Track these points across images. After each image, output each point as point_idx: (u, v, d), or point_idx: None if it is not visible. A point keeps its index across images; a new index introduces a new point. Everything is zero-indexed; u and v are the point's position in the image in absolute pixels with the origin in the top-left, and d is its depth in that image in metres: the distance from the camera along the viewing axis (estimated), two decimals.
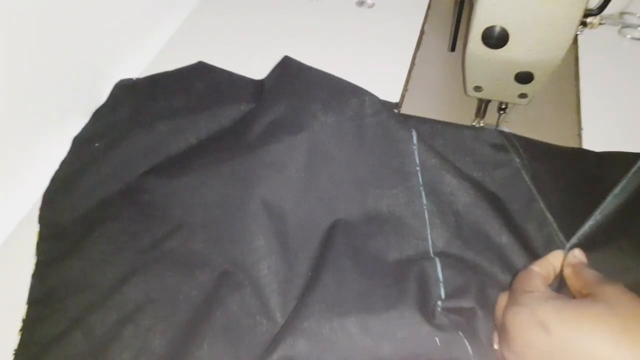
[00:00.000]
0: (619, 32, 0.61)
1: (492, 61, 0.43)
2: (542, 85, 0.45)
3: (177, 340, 0.37)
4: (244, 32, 0.64)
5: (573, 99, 0.54)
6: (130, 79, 0.56)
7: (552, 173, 0.46)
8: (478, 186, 0.44)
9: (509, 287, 0.35)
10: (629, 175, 0.36)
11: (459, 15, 0.48)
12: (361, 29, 0.63)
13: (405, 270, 0.40)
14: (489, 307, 0.36)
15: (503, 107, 0.50)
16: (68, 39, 0.49)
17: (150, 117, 0.51)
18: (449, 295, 0.38)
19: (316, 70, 0.51)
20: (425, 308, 0.37)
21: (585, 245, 0.35)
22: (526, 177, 0.45)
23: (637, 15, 0.62)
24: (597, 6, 0.42)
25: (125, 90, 0.55)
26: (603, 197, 0.35)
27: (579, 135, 0.50)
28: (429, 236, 0.43)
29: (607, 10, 0.50)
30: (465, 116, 0.53)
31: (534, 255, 0.40)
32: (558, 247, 0.36)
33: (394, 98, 0.54)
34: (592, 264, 0.34)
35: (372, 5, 0.67)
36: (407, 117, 0.51)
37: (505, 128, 0.50)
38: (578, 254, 0.34)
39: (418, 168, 0.45)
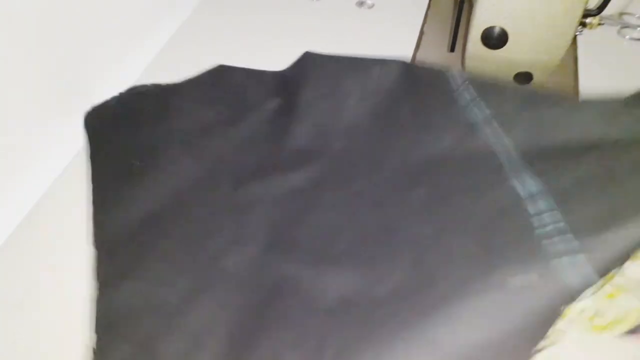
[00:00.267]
0: (618, 32, 0.61)
1: (491, 61, 0.43)
2: (541, 85, 0.45)
3: None
4: (244, 32, 0.64)
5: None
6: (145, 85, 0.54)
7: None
8: None
9: None
10: None
11: (459, 15, 0.48)
12: (361, 29, 0.63)
13: None
14: None
15: None
16: (68, 39, 0.49)
17: (179, 133, 0.50)
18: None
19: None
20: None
21: None
22: None
23: (637, 16, 0.62)
24: (597, 6, 0.42)
25: (147, 98, 0.53)
26: None
27: None
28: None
29: (607, 11, 0.51)
30: None
31: None
32: None
33: None
34: None
35: (372, 6, 0.67)
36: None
37: None
38: None
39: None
